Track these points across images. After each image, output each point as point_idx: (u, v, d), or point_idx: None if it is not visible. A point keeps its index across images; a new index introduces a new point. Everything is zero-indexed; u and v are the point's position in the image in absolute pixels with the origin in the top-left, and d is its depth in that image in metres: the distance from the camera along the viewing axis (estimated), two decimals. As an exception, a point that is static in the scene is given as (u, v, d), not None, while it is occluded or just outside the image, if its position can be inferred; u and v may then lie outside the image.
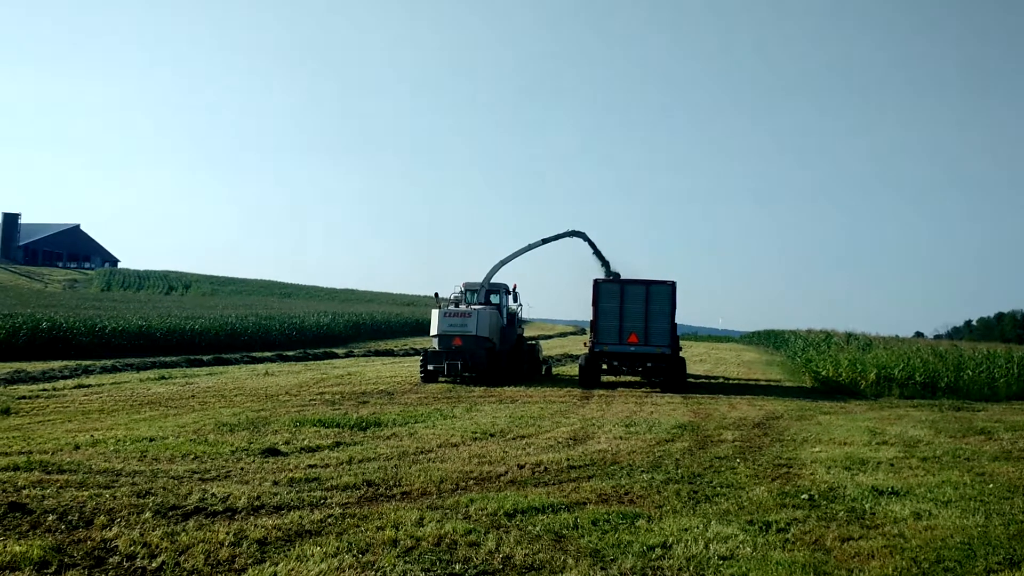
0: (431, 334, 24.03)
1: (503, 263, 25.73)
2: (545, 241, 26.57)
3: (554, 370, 28.27)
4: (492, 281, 25.57)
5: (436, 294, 25.50)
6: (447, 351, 23.11)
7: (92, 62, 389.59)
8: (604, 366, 23.43)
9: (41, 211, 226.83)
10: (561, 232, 26.85)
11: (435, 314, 23.88)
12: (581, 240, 26.95)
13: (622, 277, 25.55)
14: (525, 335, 28.40)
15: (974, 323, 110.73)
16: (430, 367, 23.11)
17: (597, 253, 26.82)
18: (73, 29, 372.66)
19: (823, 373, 27.83)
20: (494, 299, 25.54)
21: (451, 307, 24.33)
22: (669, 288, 23.09)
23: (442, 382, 22.88)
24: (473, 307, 24.08)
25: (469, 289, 25.59)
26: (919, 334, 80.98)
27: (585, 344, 24.75)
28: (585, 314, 24.56)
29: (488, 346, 23.42)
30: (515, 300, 26.23)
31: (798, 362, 36.00)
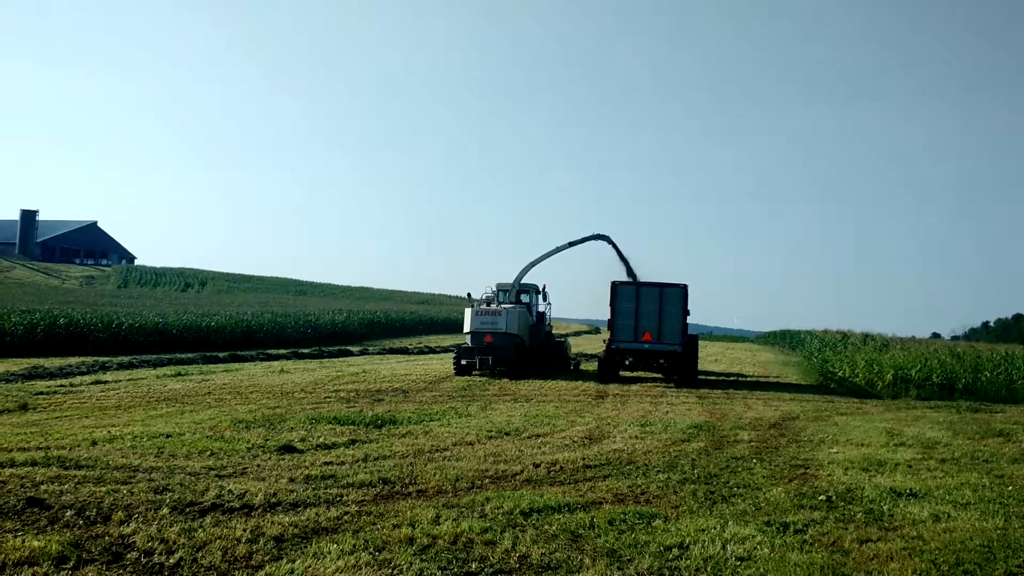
0: (464, 331, 25.32)
1: (533, 264, 26.60)
2: (572, 244, 27.42)
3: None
4: (523, 282, 26.45)
5: (468, 294, 26.61)
6: (479, 347, 24.34)
7: (111, 60, 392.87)
8: (626, 362, 24.31)
9: (59, 208, 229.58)
10: (587, 235, 27.71)
11: (468, 312, 25.11)
12: (605, 243, 27.48)
13: (639, 278, 26.32)
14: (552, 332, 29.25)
15: (992, 324, 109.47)
16: (463, 361, 24.41)
17: (621, 256, 27.40)
18: (93, 27, 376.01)
19: (839, 374, 27.70)
20: (524, 298, 26.45)
21: (483, 306, 25.31)
22: (681, 290, 24.03)
23: (475, 375, 24.16)
24: (504, 306, 25.11)
25: (501, 289, 26.51)
26: (936, 335, 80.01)
27: (603, 341, 25.38)
28: (599, 313, 25.27)
29: (517, 342, 24.46)
30: (544, 299, 27.21)
31: (814, 362, 35.82)
